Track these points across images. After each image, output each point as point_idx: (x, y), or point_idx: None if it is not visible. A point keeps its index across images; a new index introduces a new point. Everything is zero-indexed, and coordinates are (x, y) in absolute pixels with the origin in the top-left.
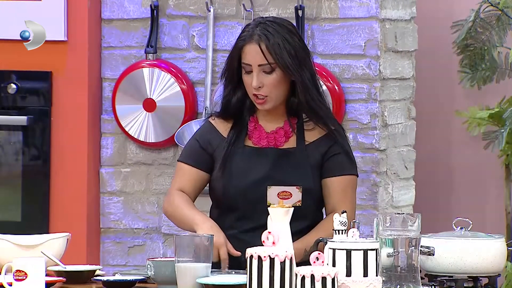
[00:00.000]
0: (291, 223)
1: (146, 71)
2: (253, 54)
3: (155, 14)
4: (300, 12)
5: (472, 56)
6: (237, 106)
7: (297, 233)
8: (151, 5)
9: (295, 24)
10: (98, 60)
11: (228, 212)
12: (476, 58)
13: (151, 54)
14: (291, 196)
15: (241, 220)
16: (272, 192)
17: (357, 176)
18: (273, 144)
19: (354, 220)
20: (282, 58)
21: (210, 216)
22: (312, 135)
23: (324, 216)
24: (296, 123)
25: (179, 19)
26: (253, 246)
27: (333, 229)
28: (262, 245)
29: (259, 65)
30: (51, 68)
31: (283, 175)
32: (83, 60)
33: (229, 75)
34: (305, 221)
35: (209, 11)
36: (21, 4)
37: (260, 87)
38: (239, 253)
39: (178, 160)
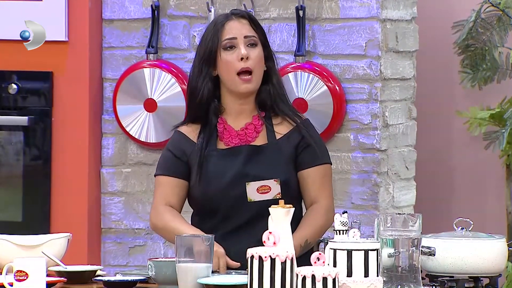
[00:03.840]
0: None
1: (147, 71)
2: (238, 27)
3: (156, 14)
4: (301, 12)
5: (473, 56)
6: (204, 107)
7: None
8: (152, 5)
9: (296, 24)
10: (99, 60)
11: (210, 216)
12: (477, 58)
13: (152, 54)
14: (270, 190)
15: (223, 221)
16: (251, 188)
17: (331, 164)
18: (245, 142)
19: (355, 221)
20: (263, 34)
21: (191, 223)
22: (282, 129)
23: (304, 208)
24: (264, 116)
25: (180, 19)
26: (239, 246)
27: (334, 229)
28: (248, 244)
29: (245, 37)
30: (52, 68)
31: (259, 170)
32: (84, 60)
33: (205, 66)
34: None
35: (210, 11)
36: (21, 4)
37: (247, 58)
38: (238, 264)
39: (155, 175)
